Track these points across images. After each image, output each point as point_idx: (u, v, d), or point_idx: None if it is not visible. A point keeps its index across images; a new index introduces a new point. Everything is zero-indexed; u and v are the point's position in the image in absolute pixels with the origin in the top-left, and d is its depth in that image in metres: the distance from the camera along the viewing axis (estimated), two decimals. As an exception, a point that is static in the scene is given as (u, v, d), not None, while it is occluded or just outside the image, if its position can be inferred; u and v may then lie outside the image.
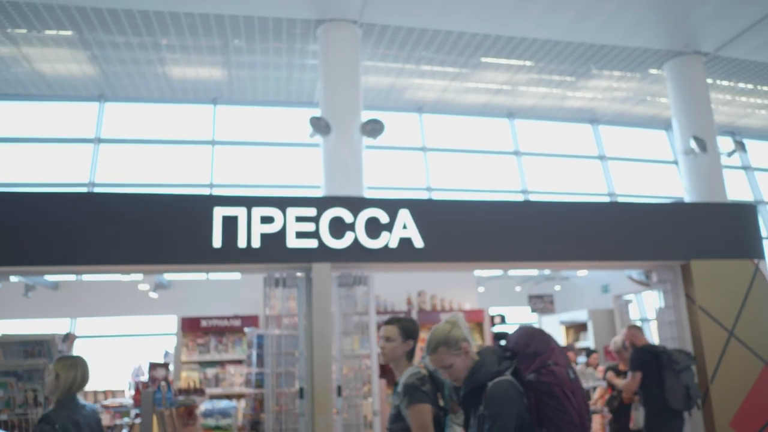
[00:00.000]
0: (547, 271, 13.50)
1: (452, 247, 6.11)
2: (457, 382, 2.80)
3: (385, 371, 6.32)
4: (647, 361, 5.73)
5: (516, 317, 13.36)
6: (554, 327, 11.30)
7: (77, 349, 5.96)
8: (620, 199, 12.77)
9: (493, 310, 9.62)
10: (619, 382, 6.37)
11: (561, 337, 10.80)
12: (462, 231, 6.16)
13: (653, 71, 11.72)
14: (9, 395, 5.19)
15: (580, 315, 10.54)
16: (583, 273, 12.79)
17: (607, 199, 12.84)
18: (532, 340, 2.69)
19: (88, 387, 9.49)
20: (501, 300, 13.05)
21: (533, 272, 13.79)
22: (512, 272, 13.29)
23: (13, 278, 9.94)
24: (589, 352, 9.92)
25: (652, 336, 9.06)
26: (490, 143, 13.44)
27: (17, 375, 5.26)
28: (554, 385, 2.51)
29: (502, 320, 9.57)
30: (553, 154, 13.64)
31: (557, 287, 13.79)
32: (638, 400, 5.98)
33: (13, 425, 5.17)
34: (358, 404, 5.85)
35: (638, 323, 10.60)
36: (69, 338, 5.81)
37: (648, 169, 14.09)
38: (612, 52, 10.96)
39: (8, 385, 5.21)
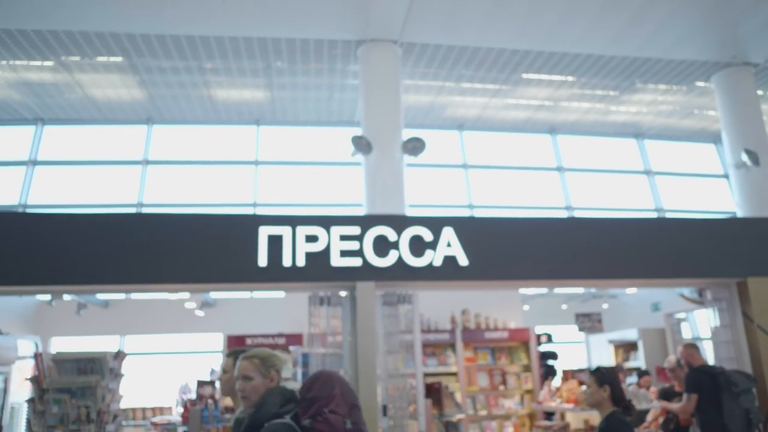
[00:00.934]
0: (594, 289, 13.21)
1: (497, 265, 6.04)
2: (244, 402, 2.87)
3: (432, 391, 6.24)
4: (704, 382, 5.51)
5: (563, 336, 13.08)
6: (602, 346, 11.00)
7: (127, 367, 6.08)
8: (668, 215, 12.43)
9: (539, 329, 9.42)
10: (673, 407, 6.14)
11: (610, 357, 10.51)
12: (507, 249, 6.09)
13: (700, 84, 11.43)
14: (63, 412, 5.32)
15: (630, 334, 10.24)
16: (632, 291, 12.47)
17: (654, 215, 12.51)
18: (314, 384, 2.70)
19: (137, 404, 9.72)
20: (547, 318, 12.79)
21: (580, 290, 13.51)
22: (558, 290, 13.03)
23: (66, 297, 10.25)
24: (640, 373, 9.61)
25: (708, 356, 8.74)
26: (532, 159, 13.28)
27: (71, 392, 5.38)
28: None
29: (549, 339, 9.37)
30: (597, 169, 13.39)
31: (605, 305, 13.45)
32: (695, 422, 5.74)
33: (67, 441, 5.28)
34: (404, 424, 5.78)
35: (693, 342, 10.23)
36: (120, 356, 5.92)
37: (697, 184, 13.69)
38: (657, 66, 10.74)
39: (62, 401, 5.34)
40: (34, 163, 11.60)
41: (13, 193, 11.20)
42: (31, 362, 6.36)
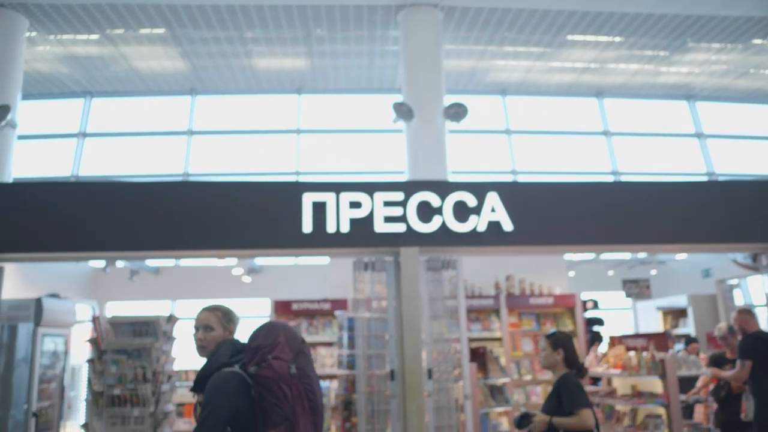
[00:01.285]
0: (641, 255, 12.94)
1: (542, 230, 5.96)
2: (201, 352, 2.94)
3: (476, 355, 6.27)
4: (759, 349, 5.37)
5: (609, 302, 12.91)
6: (650, 313, 10.82)
7: (178, 330, 6.29)
8: (720, 178, 12.02)
9: (585, 295, 9.31)
10: (726, 374, 6.02)
11: (658, 324, 10.33)
12: (552, 214, 6.00)
13: (757, 41, 10.90)
14: (120, 371, 5.55)
15: (679, 300, 10.02)
16: (681, 257, 12.17)
17: (705, 178, 12.12)
18: (258, 333, 2.77)
19: (187, 367, 10.06)
20: (593, 285, 12.62)
21: (627, 256, 13.26)
22: (605, 256, 12.82)
23: (119, 264, 10.61)
24: (688, 340, 9.44)
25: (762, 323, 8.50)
26: (577, 124, 12.97)
27: (127, 353, 5.61)
28: (271, 379, 2.59)
29: (595, 305, 9.25)
30: (645, 133, 13.00)
31: (653, 272, 13.18)
32: (748, 389, 5.61)
33: (125, 399, 5.53)
34: (449, 387, 5.84)
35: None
36: (172, 320, 6.12)
37: (752, 146, 13.16)
38: (710, 23, 10.28)
39: (120, 362, 5.57)
40: (84, 135, 11.93)
41: (65, 165, 11.58)
42: (89, 325, 6.63)
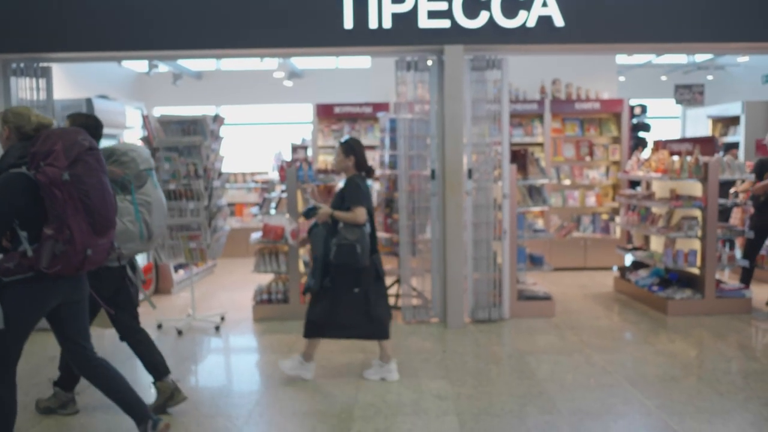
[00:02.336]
0: (699, 58, 12.23)
1: (596, 25, 5.64)
2: None
3: (517, 157, 6.31)
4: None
5: (658, 110, 12.52)
6: (700, 121, 10.46)
7: (225, 131, 6.45)
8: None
9: (634, 101, 9.01)
10: (764, 183, 5.99)
11: (707, 132, 10.04)
12: (607, 7, 5.61)
13: None
14: (174, 168, 5.83)
15: (732, 108, 9.61)
16: (743, 59, 11.46)
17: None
18: (37, 141, 2.91)
19: (237, 169, 10.46)
20: (643, 91, 12.13)
21: (683, 59, 12.55)
22: (659, 60, 12.17)
23: (162, 67, 10.63)
24: (727, 146, 9.27)
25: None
26: None
27: (178, 150, 5.84)
28: (44, 183, 2.81)
29: (643, 111, 8.97)
30: None
31: (709, 77, 12.54)
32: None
33: (181, 194, 5.88)
34: (488, 187, 5.98)
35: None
36: (218, 120, 6.25)
37: None
38: None
39: (172, 159, 5.83)
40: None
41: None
42: (139, 131, 6.84)
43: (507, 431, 3.59)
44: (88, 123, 3.71)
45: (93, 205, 2.94)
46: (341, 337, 4.54)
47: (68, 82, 8.51)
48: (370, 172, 4.45)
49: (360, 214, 4.19)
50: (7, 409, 3.03)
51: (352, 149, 4.37)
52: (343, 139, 4.44)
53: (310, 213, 4.36)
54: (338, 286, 4.30)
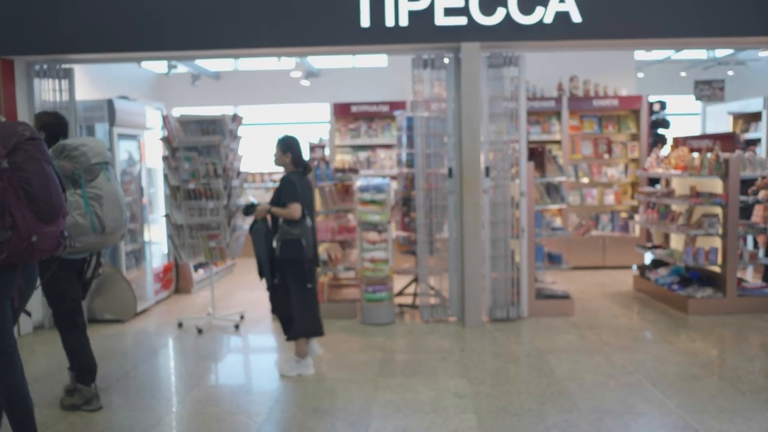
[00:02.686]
0: (720, 54, 12.07)
1: (614, 21, 5.60)
2: None
3: (534, 154, 6.29)
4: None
5: (678, 106, 12.37)
6: (720, 117, 10.31)
7: (243, 132, 6.50)
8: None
9: (653, 98, 8.92)
10: None
11: (727, 128, 9.90)
12: (625, 2, 5.58)
13: None
14: (193, 168, 5.89)
15: (754, 104, 9.46)
16: (765, 54, 11.29)
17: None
18: None
19: (255, 168, 10.51)
20: (662, 87, 11.98)
21: (703, 55, 12.39)
22: (678, 56, 12.03)
23: (181, 68, 10.73)
24: (747, 142, 9.13)
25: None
26: None
27: (198, 150, 5.90)
28: None
29: (662, 107, 8.88)
30: None
31: (730, 72, 12.36)
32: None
33: (200, 193, 5.94)
34: (505, 185, 5.97)
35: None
36: (236, 119, 6.30)
37: None
38: None
39: (192, 158, 5.89)
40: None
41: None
42: (160, 127, 6.92)
43: (526, 430, 3.58)
44: (50, 121, 3.93)
45: (35, 193, 2.95)
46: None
47: (90, 83, 8.62)
48: (306, 168, 4.66)
49: (295, 209, 4.39)
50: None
51: (289, 146, 4.56)
52: (280, 137, 4.62)
53: (249, 210, 4.61)
54: (290, 282, 4.53)
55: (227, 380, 4.80)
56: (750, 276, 7.36)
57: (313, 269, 4.61)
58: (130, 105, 6.79)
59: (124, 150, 6.59)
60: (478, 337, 5.55)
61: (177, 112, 11.67)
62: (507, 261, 6.00)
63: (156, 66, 11.37)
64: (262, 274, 4.57)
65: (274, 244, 4.47)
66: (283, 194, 4.46)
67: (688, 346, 5.17)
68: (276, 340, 5.69)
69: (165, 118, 6.05)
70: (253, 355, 5.51)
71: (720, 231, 6.08)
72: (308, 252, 4.46)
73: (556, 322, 5.94)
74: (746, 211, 7.32)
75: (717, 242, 6.21)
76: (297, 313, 4.56)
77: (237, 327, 5.98)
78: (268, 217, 4.54)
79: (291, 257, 4.43)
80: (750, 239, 7.29)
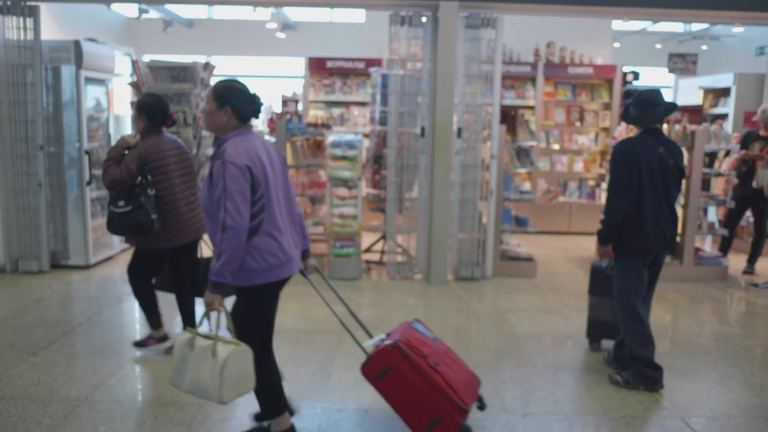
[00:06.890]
0: (694, 28, 12.17)
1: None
2: None
3: (507, 118, 6.32)
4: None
5: (651, 78, 12.50)
6: (691, 90, 10.47)
7: (215, 81, 6.37)
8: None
9: (627, 68, 8.99)
10: (752, 153, 6.08)
11: (697, 102, 10.06)
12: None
13: None
14: (163, 115, 5.77)
15: (724, 79, 9.62)
16: (738, 30, 11.41)
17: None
18: None
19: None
20: (637, 59, 12.08)
21: (679, 28, 12.48)
22: (654, 28, 12.10)
23: (153, 13, 10.40)
24: (713, 118, 9.32)
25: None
26: None
27: (168, 97, 5.78)
28: None
29: (635, 77, 8.97)
30: None
31: (704, 47, 12.49)
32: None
33: (169, 142, 5.84)
34: (476, 147, 6.01)
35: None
36: (208, 68, 6.18)
37: None
38: None
39: (161, 105, 5.76)
40: None
41: None
42: (129, 72, 6.74)
43: (483, 382, 3.71)
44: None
45: None
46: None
47: (56, 23, 8.33)
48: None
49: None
50: None
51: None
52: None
53: None
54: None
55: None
56: (708, 246, 7.59)
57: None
58: (99, 48, 6.59)
59: (91, 96, 6.42)
60: (442, 294, 5.66)
61: (147, 58, 11.41)
62: (474, 222, 6.09)
63: (126, 9, 11.00)
64: None
65: None
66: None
67: (643, 310, 5.35)
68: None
69: (134, 63, 5.91)
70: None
71: (682, 201, 6.25)
72: None
73: (519, 283, 6.08)
74: (705, 183, 7.52)
75: (678, 212, 6.36)
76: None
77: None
78: None
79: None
80: (713, 210, 7.52)
